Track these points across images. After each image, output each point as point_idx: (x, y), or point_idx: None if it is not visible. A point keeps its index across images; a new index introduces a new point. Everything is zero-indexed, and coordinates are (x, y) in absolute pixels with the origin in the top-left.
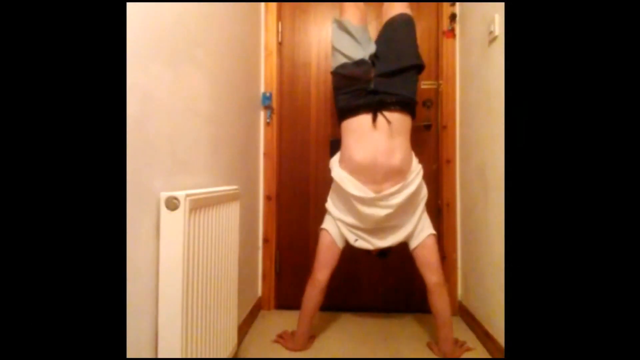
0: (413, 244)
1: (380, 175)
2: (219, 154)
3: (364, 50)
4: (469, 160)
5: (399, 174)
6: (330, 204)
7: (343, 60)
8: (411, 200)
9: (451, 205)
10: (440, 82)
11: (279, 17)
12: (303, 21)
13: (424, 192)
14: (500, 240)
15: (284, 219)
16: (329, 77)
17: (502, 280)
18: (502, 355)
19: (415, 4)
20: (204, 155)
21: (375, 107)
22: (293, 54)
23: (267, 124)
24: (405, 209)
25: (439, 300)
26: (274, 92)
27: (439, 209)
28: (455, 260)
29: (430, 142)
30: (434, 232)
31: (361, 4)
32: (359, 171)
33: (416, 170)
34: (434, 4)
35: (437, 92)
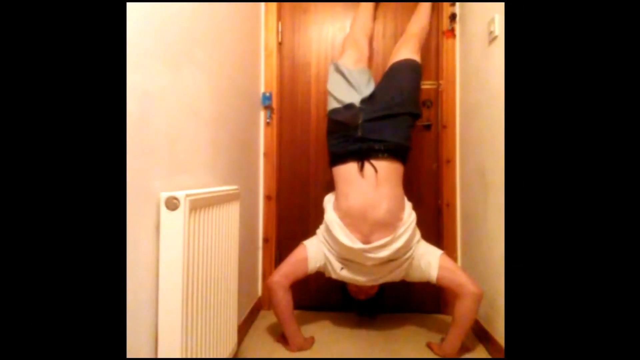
0: (432, 277)
1: (367, 227)
2: (219, 154)
3: (358, 94)
4: (469, 160)
5: (385, 226)
6: (320, 232)
7: (335, 104)
8: (401, 253)
9: (451, 205)
10: (440, 82)
11: (279, 17)
12: (303, 21)
13: (416, 238)
14: (500, 240)
15: (284, 219)
16: (327, 123)
17: (502, 280)
18: (502, 355)
19: (415, 4)
20: (204, 155)
21: (362, 155)
22: (293, 54)
23: (267, 124)
24: (393, 261)
25: (469, 309)
26: (274, 92)
27: (439, 209)
28: (455, 261)
29: (430, 142)
30: (440, 251)
31: (364, 45)
32: (348, 219)
33: (408, 221)
34: (434, 4)
35: (437, 92)
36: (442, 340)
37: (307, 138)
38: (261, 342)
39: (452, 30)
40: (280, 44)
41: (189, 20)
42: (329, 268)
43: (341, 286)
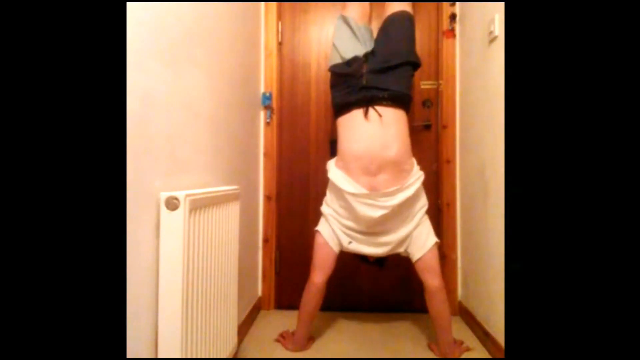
0: (417, 255)
1: (374, 166)
2: (219, 154)
3: (363, 47)
4: (469, 160)
5: (395, 167)
6: (325, 207)
7: (338, 58)
8: (408, 206)
9: (451, 205)
10: (440, 82)
11: (279, 17)
12: (303, 21)
13: (423, 201)
14: (500, 240)
15: (284, 219)
16: (329, 77)
17: (502, 280)
18: (502, 355)
19: (415, 4)
20: (204, 155)
21: (366, 103)
22: (293, 54)
23: (267, 124)
24: (400, 213)
25: (440, 304)
26: (274, 92)
27: (439, 209)
28: (455, 261)
29: (430, 142)
30: (437, 240)
31: (366, 3)
32: (354, 162)
33: (416, 175)
34: (434, 4)
35: (437, 92)
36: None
37: (307, 138)
38: (261, 342)
39: (452, 30)
40: (280, 44)
41: (189, 20)
42: (339, 241)
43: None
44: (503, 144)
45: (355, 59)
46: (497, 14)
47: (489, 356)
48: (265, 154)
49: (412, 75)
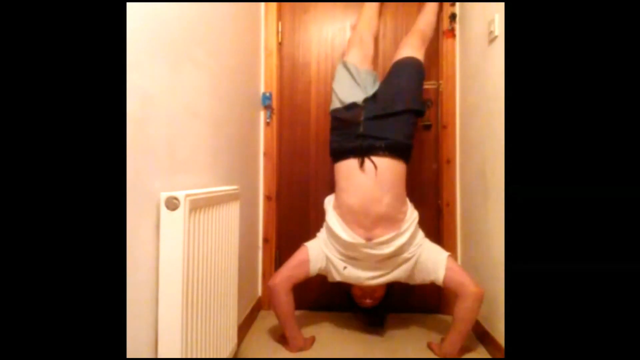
0: (439, 278)
1: (369, 221)
2: (219, 154)
3: (363, 93)
4: (469, 160)
5: (388, 220)
6: (322, 233)
7: (337, 104)
8: (403, 249)
9: (451, 205)
10: (440, 82)
11: (279, 17)
12: (303, 21)
13: (419, 238)
14: (500, 240)
15: (284, 219)
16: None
17: (502, 280)
18: (502, 355)
19: (416, 4)
20: (204, 155)
21: (362, 152)
22: (293, 54)
23: (267, 124)
24: (396, 256)
25: (469, 309)
26: (274, 92)
27: (439, 209)
28: (455, 260)
29: (430, 142)
30: (447, 253)
31: (369, 43)
32: (349, 215)
33: (411, 218)
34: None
35: (437, 92)
36: (442, 340)
37: (307, 138)
38: (261, 342)
39: (452, 30)
40: (280, 44)
41: (189, 20)
42: (332, 269)
43: (347, 294)
44: (503, 144)
45: (353, 105)
46: (497, 14)
47: (489, 356)
48: (265, 154)
49: (415, 123)
